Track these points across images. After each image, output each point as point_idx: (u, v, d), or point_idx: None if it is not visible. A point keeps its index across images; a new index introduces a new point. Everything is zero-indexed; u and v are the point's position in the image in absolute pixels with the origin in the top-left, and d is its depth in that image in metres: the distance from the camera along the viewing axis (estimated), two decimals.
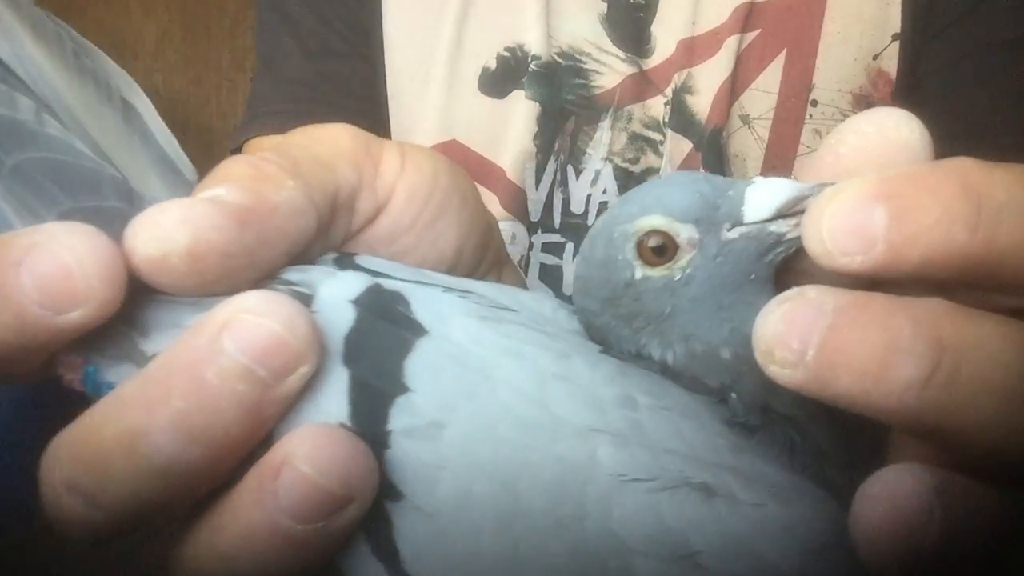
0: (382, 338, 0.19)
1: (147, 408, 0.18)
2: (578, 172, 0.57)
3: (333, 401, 0.19)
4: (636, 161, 0.56)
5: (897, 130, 0.20)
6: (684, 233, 0.20)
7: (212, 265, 0.19)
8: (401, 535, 0.18)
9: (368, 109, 0.59)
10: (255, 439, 0.18)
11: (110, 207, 0.20)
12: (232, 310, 0.18)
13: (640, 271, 0.20)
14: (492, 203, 0.55)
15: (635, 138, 0.56)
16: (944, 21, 0.53)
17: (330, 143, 0.24)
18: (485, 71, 0.57)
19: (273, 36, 0.61)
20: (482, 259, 0.28)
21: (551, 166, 0.56)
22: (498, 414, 0.18)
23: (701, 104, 0.55)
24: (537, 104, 0.56)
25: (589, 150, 0.57)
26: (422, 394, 0.18)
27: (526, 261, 0.58)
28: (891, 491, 0.17)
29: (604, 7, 0.56)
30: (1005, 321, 0.17)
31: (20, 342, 0.18)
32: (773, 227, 0.20)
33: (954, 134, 0.52)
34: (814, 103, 0.53)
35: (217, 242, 0.19)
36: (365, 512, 0.18)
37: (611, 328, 0.21)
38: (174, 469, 0.18)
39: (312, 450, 0.18)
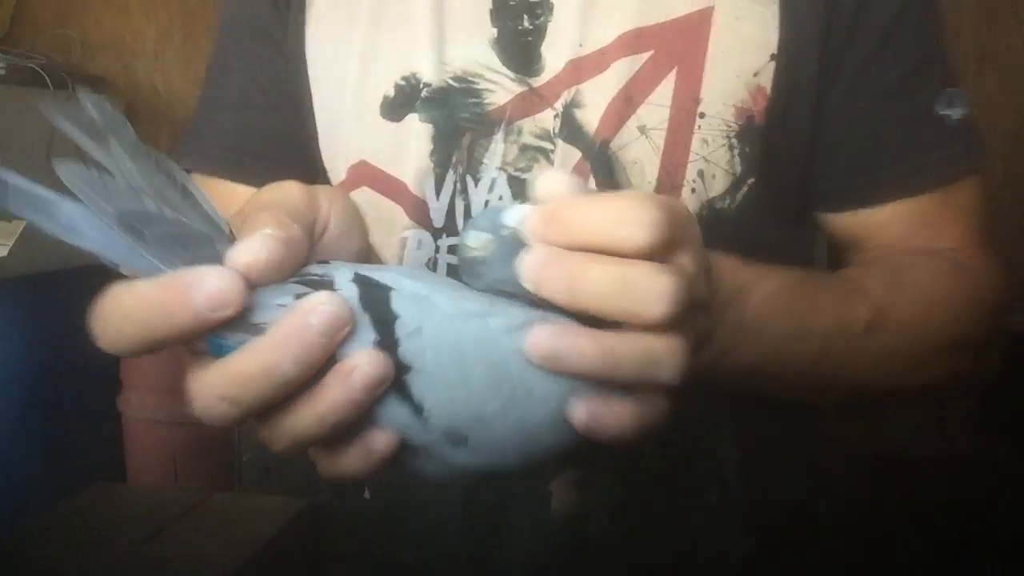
0: (375, 295, 0.37)
1: (278, 351, 0.34)
2: (476, 180, 0.63)
3: (367, 332, 0.36)
4: (529, 169, 0.62)
5: (558, 188, 0.37)
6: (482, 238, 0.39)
7: (276, 265, 0.35)
8: (411, 386, 0.36)
9: (282, 155, 0.70)
10: (325, 360, 0.34)
11: (209, 252, 0.36)
12: (313, 302, 0.34)
13: (469, 252, 0.38)
14: (398, 213, 0.64)
15: (526, 149, 0.61)
16: (835, 45, 0.60)
17: (293, 197, 0.40)
18: (385, 99, 0.63)
19: (212, 79, 0.74)
20: (370, 252, 0.46)
21: (450, 177, 0.63)
22: (443, 317, 0.36)
23: (589, 117, 0.60)
24: (431, 125, 0.62)
25: (485, 160, 0.62)
26: (405, 317, 0.36)
27: (434, 263, 0.64)
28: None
29: (494, 32, 0.61)
30: (612, 263, 0.34)
31: (192, 329, 0.34)
32: (509, 233, 0.37)
33: (842, 152, 0.62)
34: (702, 115, 0.59)
35: (277, 253, 0.35)
36: (391, 381, 0.35)
37: (468, 275, 0.39)
38: (287, 381, 0.34)
39: (368, 360, 0.34)
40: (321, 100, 0.66)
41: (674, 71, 0.59)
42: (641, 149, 0.59)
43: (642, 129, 0.59)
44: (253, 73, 0.70)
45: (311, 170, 0.68)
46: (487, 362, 0.36)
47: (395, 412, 0.36)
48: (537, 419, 0.36)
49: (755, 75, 0.59)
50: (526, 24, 0.61)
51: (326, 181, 0.68)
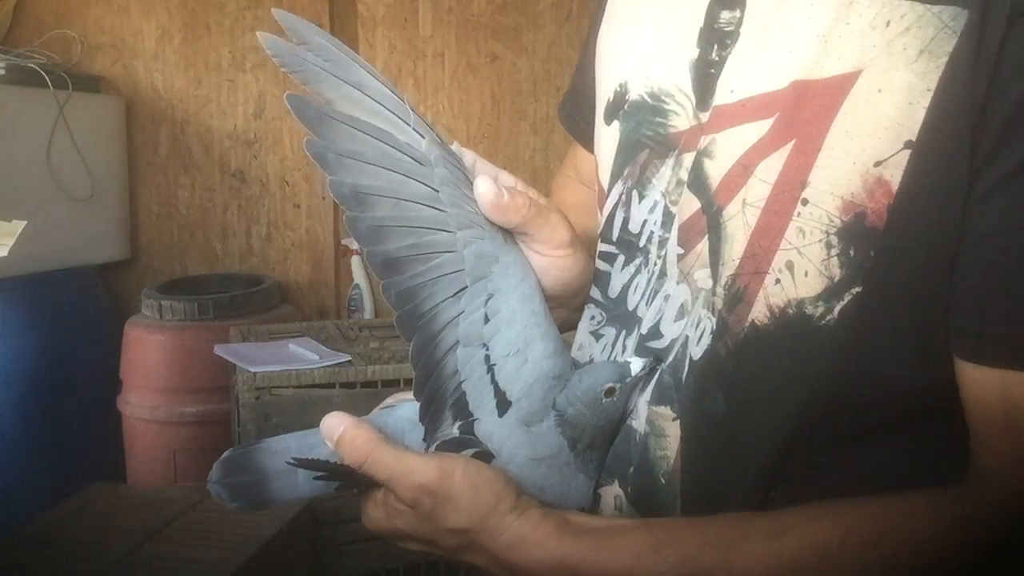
0: None
1: None
2: (641, 198, 0.62)
3: None
4: (675, 203, 0.59)
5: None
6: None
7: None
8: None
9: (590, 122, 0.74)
10: None
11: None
12: None
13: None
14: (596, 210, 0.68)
15: (680, 184, 0.59)
16: (986, 145, 0.47)
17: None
18: (608, 102, 0.66)
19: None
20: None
21: (618, 187, 0.64)
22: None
23: (714, 173, 0.55)
24: (620, 136, 0.64)
25: (654, 181, 0.62)
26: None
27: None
28: None
29: (695, 53, 0.59)
30: None
31: None
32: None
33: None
34: (804, 201, 0.51)
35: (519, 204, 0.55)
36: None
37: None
38: None
39: None
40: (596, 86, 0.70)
41: (791, 144, 0.51)
42: (738, 224, 0.54)
43: (743, 203, 0.53)
44: (585, 47, 0.76)
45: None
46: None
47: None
48: None
49: (877, 164, 0.48)
50: (713, 55, 0.58)
51: None
